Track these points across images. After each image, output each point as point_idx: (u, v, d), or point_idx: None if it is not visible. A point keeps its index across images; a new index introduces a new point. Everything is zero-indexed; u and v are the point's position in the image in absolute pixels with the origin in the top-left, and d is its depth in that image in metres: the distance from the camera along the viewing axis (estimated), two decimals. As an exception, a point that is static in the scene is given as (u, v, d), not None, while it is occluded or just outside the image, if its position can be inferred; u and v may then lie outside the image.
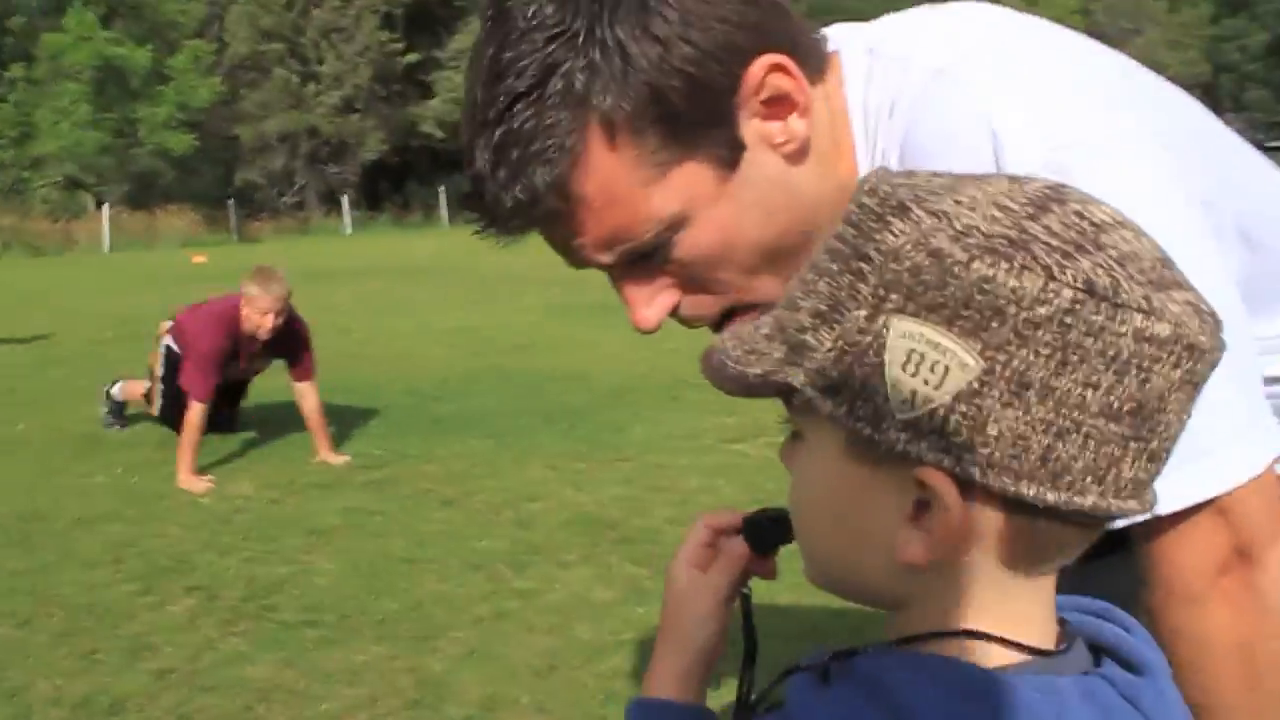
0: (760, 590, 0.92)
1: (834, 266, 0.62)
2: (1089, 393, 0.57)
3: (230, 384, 5.62)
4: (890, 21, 1.05)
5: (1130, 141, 0.91)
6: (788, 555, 0.90)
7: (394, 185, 38.25)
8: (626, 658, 3.25)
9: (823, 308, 0.62)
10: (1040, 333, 0.57)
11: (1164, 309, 0.58)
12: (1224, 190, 1.00)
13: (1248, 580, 0.92)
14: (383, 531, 4.40)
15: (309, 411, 5.49)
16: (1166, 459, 0.62)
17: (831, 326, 0.62)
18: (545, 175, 0.89)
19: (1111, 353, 0.57)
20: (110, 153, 31.18)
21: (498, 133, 0.90)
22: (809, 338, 0.63)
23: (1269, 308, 1.05)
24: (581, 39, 0.87)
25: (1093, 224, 0.60)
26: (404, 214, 36.72)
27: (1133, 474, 0.60)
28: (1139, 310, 0.57)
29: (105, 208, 28.87)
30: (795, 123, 0.94)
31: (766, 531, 0.85)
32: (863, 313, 0.60)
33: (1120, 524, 0.83)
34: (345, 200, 34.20)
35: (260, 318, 5.15)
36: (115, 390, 6.13)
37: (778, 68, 0.92)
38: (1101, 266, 0.57)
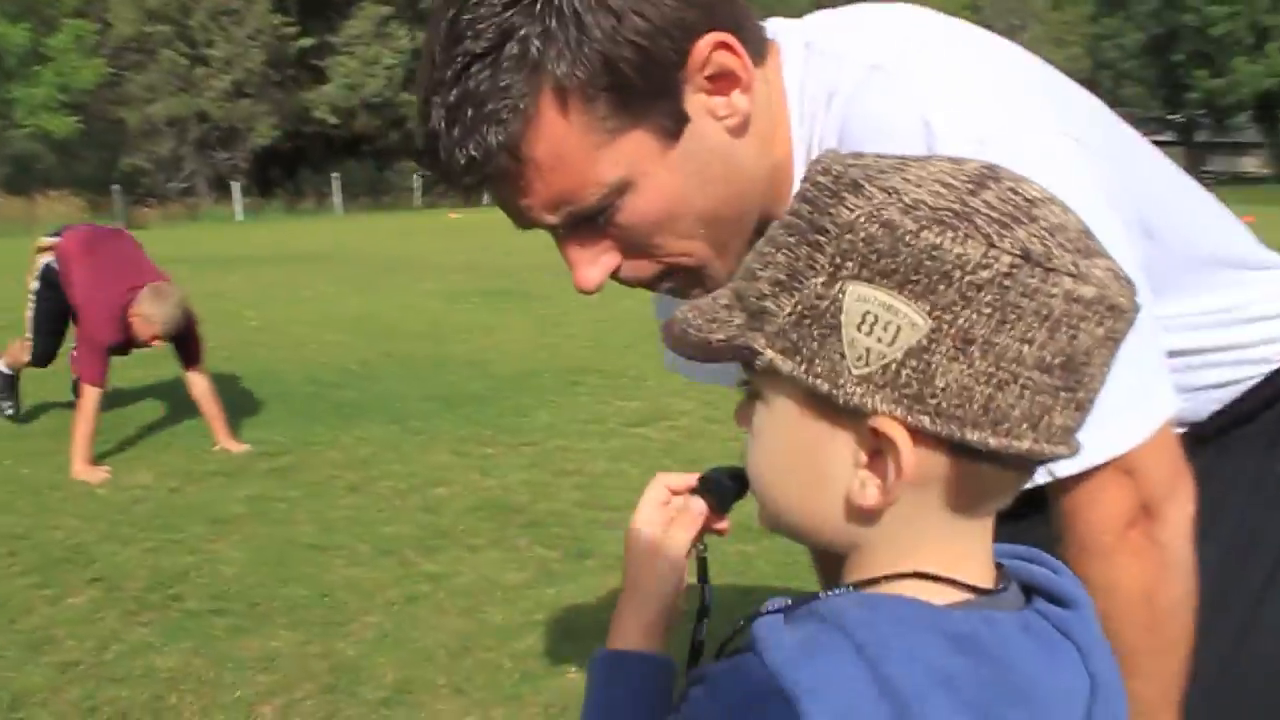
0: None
1: (791, 239, 0.68)
2: (1025, 348, 0.64)
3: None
4: (825, 17, 1.10)
5: (1047, 136, 0.97)
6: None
7: (286, 172, 37.48)
8: (540, 638, 3.28)
9: (781, 277, 0.68)
10: (982, 294, 0.63)
11: (1090, 273, 0.64)
12: (1126, 184, 1.07)
13: (1150, 533, 1.00)
14: (288, 519, 4.35)
15: (200, 397, 5.40)
16: (1090, 409, 0.68)
17: (791, 293, 0.67)
18: (498, 135, 0.92)
19: (1045, 312, 0.63)
20: (-15, 135, 30.05)
21: (454, 92, 0.92)
22: (769, 304, 0.69)
23: (1164, 292, 1.11)
24: (539, 6, 0.90)
25: (1025, 199, 0.66)
26: (297, 201, 36.00)
27: (1062, 421, 0.66)
28: (1068, 274, 0.63)
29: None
30: (738, 98, 0.99)
31: (724, 489, 0.89)
32: (820, 280, 0.66)
33: (1040, 481, 0.90)
34: (236, 187, 33.42)
35: (148, 335, 5.08)
36: (1, 365, 5.95)
37: (724, 45, 0.96)
38: (1035, 236, 0.64)
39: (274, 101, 37.17)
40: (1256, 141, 60.74)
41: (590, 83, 0.92)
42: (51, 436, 5.50)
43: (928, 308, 0.64)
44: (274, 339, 8.48)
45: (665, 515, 0.91)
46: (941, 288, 0.63)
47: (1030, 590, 0.75)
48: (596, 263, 1.03)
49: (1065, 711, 0.70)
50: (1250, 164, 58.69)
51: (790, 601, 0.74)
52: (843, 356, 0.66)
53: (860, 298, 0.65)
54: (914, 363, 0.64)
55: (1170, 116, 55.10)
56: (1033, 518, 0.97)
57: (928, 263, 0.63)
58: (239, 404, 6.03)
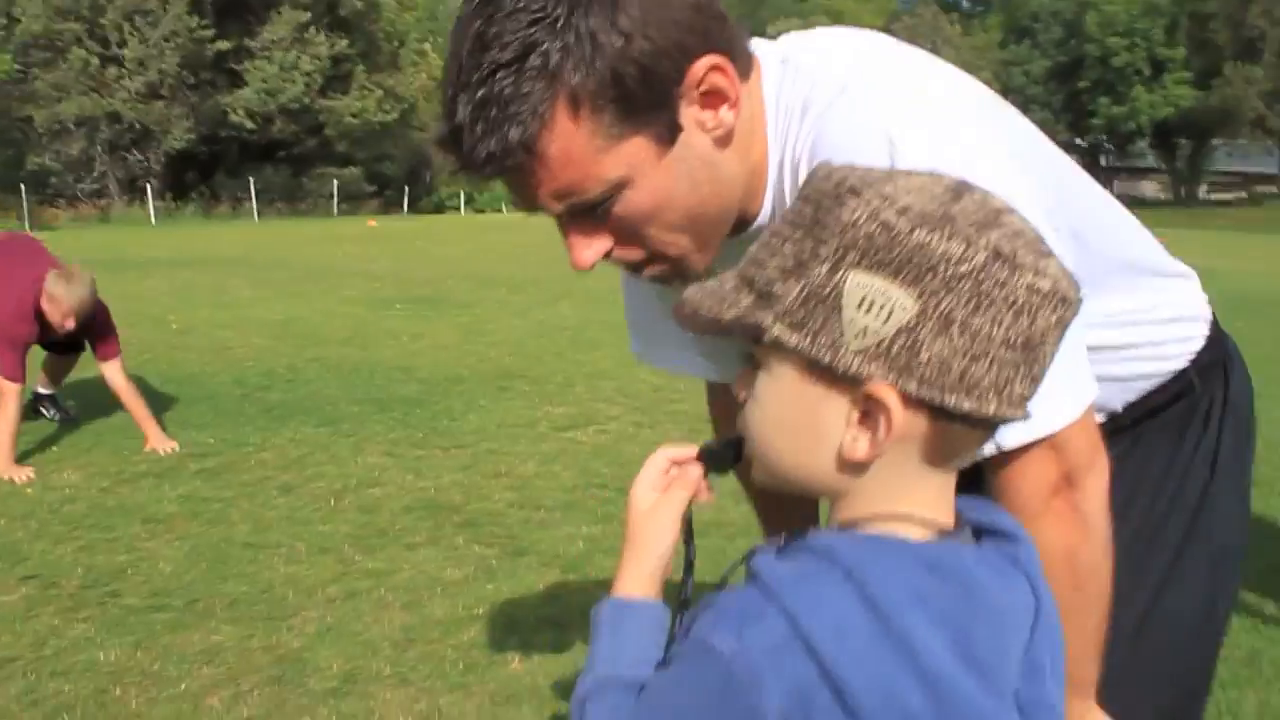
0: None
1: (797, 234, 0.82)
2: (995, 329, 0.78)
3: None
4: (799, 38, 1.23)
5: (994, 155, 1.09)
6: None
7: (201, 176, 36.86)
8: (482, 631, 3.35)
9: (789, 265, 0.81)
10: (962, 283, 0.77)
11: (1046, 270, 0.79)
12: (1060, 198, 1.21)
13: (1072, 501, 1.14)
14: (223, 518, 4.36)
15: (120, 391, 5.37)
16: (1041, 381, 0.83)
17: (798, 279, 0.81)
18: (517, 134, 1.03)
19: (1011, 299, 0.78)
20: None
21: (479, 93, 1.02)
22: (776, 288, 0.82)
23: (1099, 289, 1.22)
24: (559, 24, 1.01)
25: (994, 208, 0.81)
26: (212, 206, 35.45)
27: (1021, 390, 0.81)
28: (1031, 270, 0.78)
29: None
30: (725, 114, 1.11)
31: (722, 457, 0.99)
32: (825, 267, 0.79)
33: (985, 453, 1.03)
34: (149, 189, 32.79)
35: (61, 318, 5.03)
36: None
37: (717, 68, 1.08)
38: (1004, 238, 0.78)
39: (189, 104, 36.57)
40: (1155, 167, 62.82)
41: (599, 93, 1.03)
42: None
43: (917, 293, 0.77)
44: (197, 342, 8.41)
45: (665, 481, 1.01)
46: (929, 277, 0.77)
47: (979, 531, 0.89)
48: (591, 246, 1.14)
49: (1017, 626, 0.84)
50: (1149, 188, 60.73)
51: (782, 541, 0.86)
52: (843, 333, 0.79)
53: (859, 284, 0.78)
54: (904, 339, 0.78)
55: (1075, 141, 56.72)
56: (968, 491, 1.11)
57: (918, 256, 0.77)
58: (165, 406, 6.00)
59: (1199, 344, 1.44)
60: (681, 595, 0.99)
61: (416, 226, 29.30)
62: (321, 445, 5.47)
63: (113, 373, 5.38)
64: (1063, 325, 0.81)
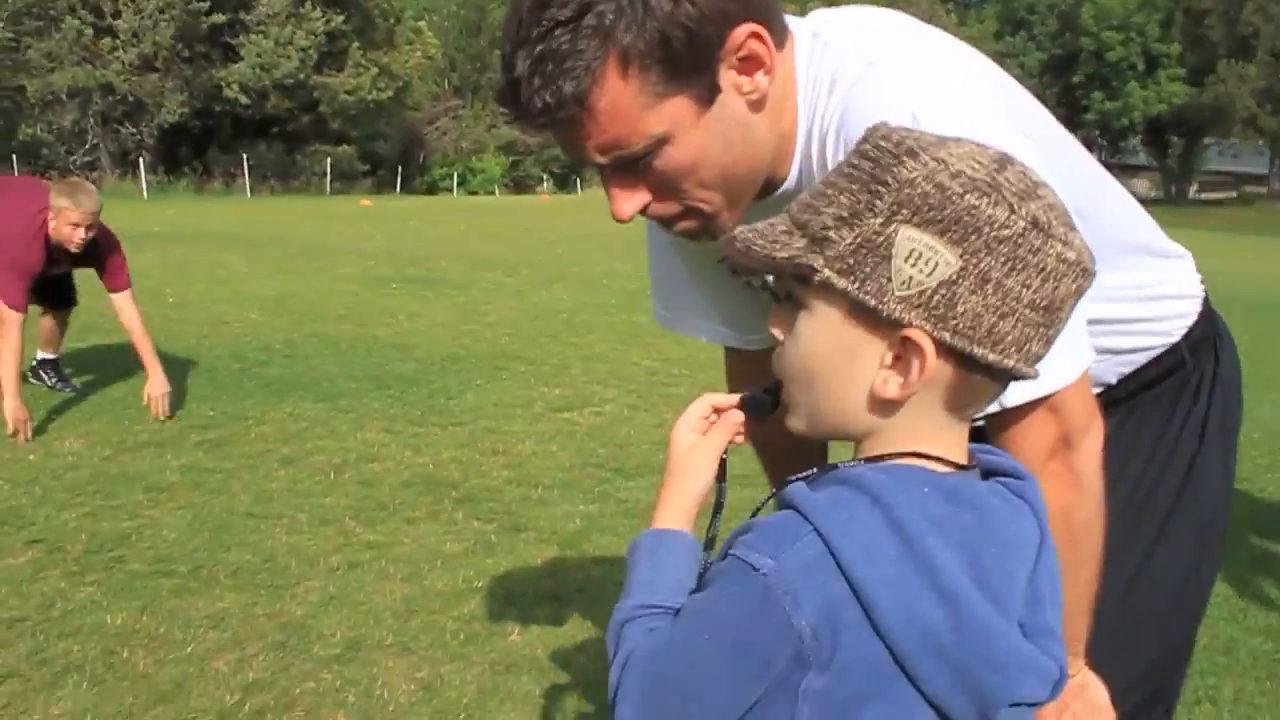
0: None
1: (854, 186, 0.88)
2: (1025, 291, 0.86)
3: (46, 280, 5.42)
4: (829, 14, 1.30)
5: (1007, 133, 1.15)
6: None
7: (194, 150, 36.72)
8: (482, 603, 3.42)
9: (844, 214, 0.88)
10: (1001, 246, 0.84)
11: (1073, 242, 0.87)
12: (1066, 175, 1.26)
13: (1068, 462, 1.22)
14: (224, 488, 4.41)
15: (131, 325, 5.37)
16: (1054, 343, 0.91)
17: (852, 227, 0.88)
18: (571, 87, 1.10)
19: (1042, 266, 0.85)
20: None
21: (538, 49, 1.10)
22: (831, 234, 0.89)
23: (1100, 266, 1.32)
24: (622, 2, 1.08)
25: (1033, 181, 0.88)
26: (205, 180, 35.33)
27: (1037, 350, 0.89)
28: (1061, 241, 0.86)
29: None
30: (761, 79, 1.18)
31: (761, 402, 1.06)
32: (878, 220, 0.86)
33: (989, 411, 1.11)
34: (143, 163, 32.69)
35: (70, 230, 5.01)
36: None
37: (755, 35, 1.15)
38: (1041, 210, 0.86)
39: (183, 78, 36.37)
40: (1147, 164, 62.98)
41: (648, 53, 1.10)
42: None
43: (960, 251, 0.84)
44: (194, 316, 8.43)
45: (705, 425, 1.09)
46: (973, 238, 0.84)
47: (988, 472, 0.97)
48: (631, 199, 1.22)
49: (1024, 551, 0.92)
50: (1141, 186, 60.84)
51: (814, 472, 0.94)
52: (889, 280, 0.86)
53: (909, 238, 0.85)
54: (944, 292, 0.85)
55: (1069, 136, 56.78)
56: None
57: (966, 218, 0.84)
58: (168, 380, 6.03)
59: (1192, 321, 1.52)
60: (710, 533, 1.07)
61: (410, 206, 29.28)
62: (320, 420, 5.53)
63: (123, 303, 5.38)
64: (1080, 294, 0.89)
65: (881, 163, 0.87)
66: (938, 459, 0.92)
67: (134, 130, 35.78)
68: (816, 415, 0.96)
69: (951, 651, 0.84)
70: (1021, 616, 0.90)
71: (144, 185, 32.05)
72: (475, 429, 5.52)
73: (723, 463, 1.08)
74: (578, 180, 48.19)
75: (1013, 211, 0.84)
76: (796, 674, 0.85)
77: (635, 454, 5.10)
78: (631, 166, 1.18)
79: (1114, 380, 1.50)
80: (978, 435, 1.14)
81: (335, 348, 7.47)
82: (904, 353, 0.88)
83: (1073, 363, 1.19)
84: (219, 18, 36.68)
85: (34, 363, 5.87)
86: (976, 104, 1.18)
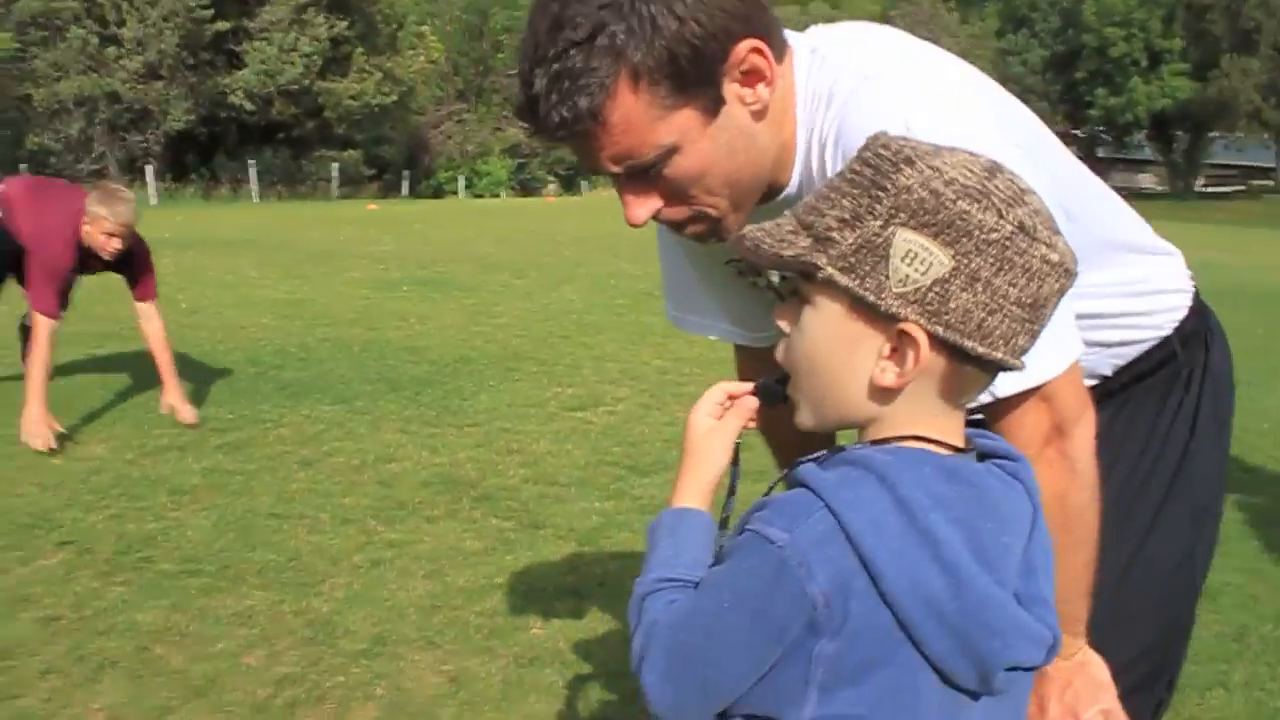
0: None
1: (855, 191, 0.96)
2: (1011, 289, 0.94)
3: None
4: (827, 30, 1.38)
5: (995, 141, 1.22)
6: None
7: (201, 157, 36.83)
8: (504, 599, 3.49)
9: (846, 216, 0.96)
10: (990, 249, 0.93)
11: (1057, 245, 0.95)
12: (1054, 179, 1.34)
13: (1062, 449, 1.29)
14: (247, 490, 4.49)
15: (153, 336, 5.44)
16: (1038, 338, 0.98)
17: (853, 229, 0.96)
18: (586, 103, 1.18)
19: (1027, 267, 0.94)
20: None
21: (554, 67, 1.18)
22: (834, 235, 0.97)
23: (1088, 264, 1.39)
24: (624, 9, 1.17)
25: (1020, 188, 0.96)
26: (212, 187, 35.42)
27: (1023, 343, 0.97)
28: (1045, 244, 0.94)
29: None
30: (762, 90, 1.26)
31: (774, 390, 1.14)
32: (878, 223, 0.94)
33: (982, 401, 1.19)
34: (150, 170, 32.80)
35: (104, 239, 5.06)
36: None
37: (757, 50, 1.23)
38: (1028, 215, 0.94)
39: (188, 85, 36.46)
40: (1152, 159, 62.88)
41: (657, 70, 1.18)
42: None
43: (953, 253, 0.92)
44: (208, 321, 8.51)
45: (720, 410, 1.16)
46: (964, 240, 0.92)
47: (984, 455, 1.05)
48: (644, 205, 1.30)
49: (1018, 526, 1.00)
50: (1147, 180, 60.81)
51: (824, 454, 1.01)
52: (887, 278, 0.94)
53: (906, 239, 0.93)
54: (938, 289, 0.93)
55: (1073, 132, 56.77)
56: None
57: (959, 222, 0.92)
58: (183, 381, 6.10)
59: (1182, 315, 1.60)
60: (724, 513, 1.14)
61: (416, 210, 29.34)
62: (337, 422, 5.60)
63: (149, 315, 5.45)
64: (1062, 292, 0.97)
65: (881, 169, 0.95)
66: (938, 442, 1.00)
67: (141, 138, 35.87)
68: (821, 405, 1.03)
69: (952, 618, 0.91)
70: (1016, 586, 0.98)
71: (151, 192, 32.15)
72: (490, 429, 5.59)
73: (736, 447, 1.15)
74: (583, 182, 48.25)
75: (1001, 216, 0.92)
76: (810, 640, 0.93)
77: (649, 452, 5.17)
78: (643, 175, 1.26)
79: (1109, 372, 1.58)
80: (978, 424, 1.22)
81: (348, 351, 7.55)
82: (900, 345, 0.96)
83: (1061, 355, 1.26)
84: (223, 25, 36.78)
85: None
86: (968, 114, 1.25)
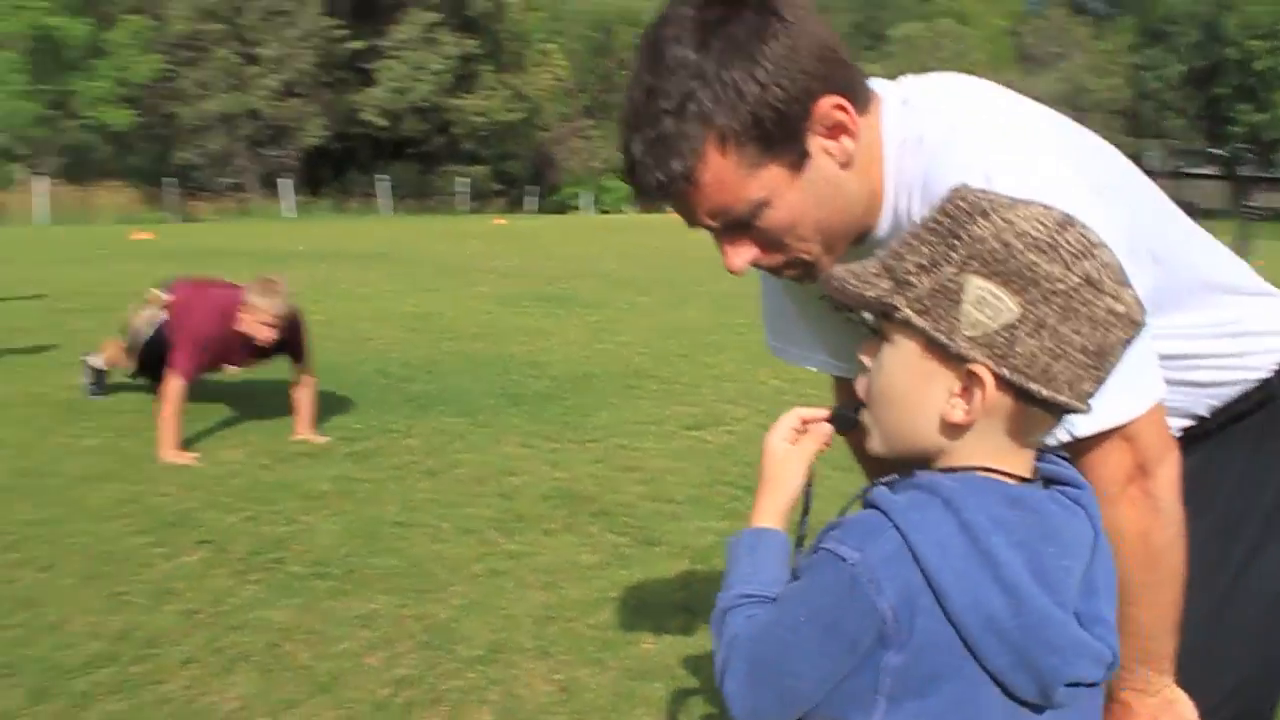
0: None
1: (933, 239, 1.03)
2: (1076, 337, 0.99)
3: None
4: (917, 81, 1.44)
5: (1077, 192, 1.26)
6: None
7: (334, 171, 38.05)
8: (617, 613, 3.56)
9: (924, 262, 1.03)
10: (1056, 298, 0.99)
11: (1123, 297, 1.00)
12: (1141, 224, 1.40)
13: (1146, 488, 1.32)
14: (373, 498, 4.66)
15: (301, 393, 5.67)
16: (1104, 384, 1.03)
17: (930, 274, 1.03)
18: (679, 166, 1.28)
19: (1093, 316, 0.99)
20: (44, 124, 30.65)
21: (649, 134, 1.28)
22: (912, 278, 1.04)
23: (1169, 307, 1.46)
24: (709, 78, 1.25)
25: (1091, 242, 1.02)
26: (344, 200, 36.57)
27: (1088, 388, 1.03)
28: (1111, 296, 1.00)
29: (45, 180, 28.43)
30: (846, 142, 1.33)
31: (847, 418, 1.21)
32: (952, 269, 1.01)
33: (1063, 439, 1.23)
34: (286, 184, 34.00)
35: (259, 327, 5.31)
36: (94, 359, 6.28)
37: (838, 106, 1.30)
38: (1095, 268, 1.00)
39: (323, 102, 37.78)
40: (1300, 178, 60.31)
41: (743, 133, 1.27)
42: (142, 414, 5.83)
43: (1021, 300, 0.99)
44: (340, 333, 8.81)
45: (795, 436, 1.24)
46: (1032, 290, 0.98)
47: (1050, 481, 1.11)
48: (741, 254, 1.38)
49: (1079, 550, 1.06)
50: (1293, 201, 58.30)
51: (895, 478, 1.08)
52: (959, 321, 1.01)
53: (979, 287, 1.00)
54: (1005, 334, 0.99)
55: (1213, 150, 54.87)
56: None
57: (1027, 272, 0.98)
58: (317, 392, 6.35)
59: None
60: (800, 532, 1.20)
61: (542, 225, 29.83)
62: (461, 434, 5.77)
63: (305, 379, 5.69)
64: (1128, 342, 1.03)
65: (958, 219, 1.02)
66: (1003, 473, 1.05)
67: (278, 153, 37.26)
68: (893, 436, 1.10)
69: (1012, 635, 0.97)
70: (1077, 606, 1.03)
71: (287, 205, 33.29)
72: (609, 445, 5.68)
73: (810, 470, 1.23)
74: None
75: (1068, 268, 0.98)
76: (879, 651, 1.00)
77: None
78: (739, 227, 1.34)
79: (1205, 413, 1.58)
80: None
81: (473, 364, 7.75)
82: (969, 384, 1.02)
83: (1140, 397, 1.29)
84: (357, 44, 38.05)
85: (86, 359, 6.32)
86: (1047, 165, 1.29)
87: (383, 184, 36.14)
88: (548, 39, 50.36)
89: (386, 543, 4.12)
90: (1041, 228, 0.99)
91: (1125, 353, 1.03)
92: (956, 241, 1.01)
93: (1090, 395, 1.03)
